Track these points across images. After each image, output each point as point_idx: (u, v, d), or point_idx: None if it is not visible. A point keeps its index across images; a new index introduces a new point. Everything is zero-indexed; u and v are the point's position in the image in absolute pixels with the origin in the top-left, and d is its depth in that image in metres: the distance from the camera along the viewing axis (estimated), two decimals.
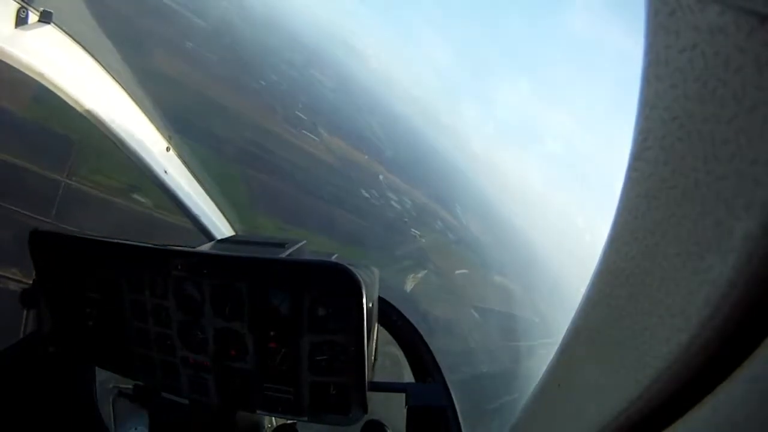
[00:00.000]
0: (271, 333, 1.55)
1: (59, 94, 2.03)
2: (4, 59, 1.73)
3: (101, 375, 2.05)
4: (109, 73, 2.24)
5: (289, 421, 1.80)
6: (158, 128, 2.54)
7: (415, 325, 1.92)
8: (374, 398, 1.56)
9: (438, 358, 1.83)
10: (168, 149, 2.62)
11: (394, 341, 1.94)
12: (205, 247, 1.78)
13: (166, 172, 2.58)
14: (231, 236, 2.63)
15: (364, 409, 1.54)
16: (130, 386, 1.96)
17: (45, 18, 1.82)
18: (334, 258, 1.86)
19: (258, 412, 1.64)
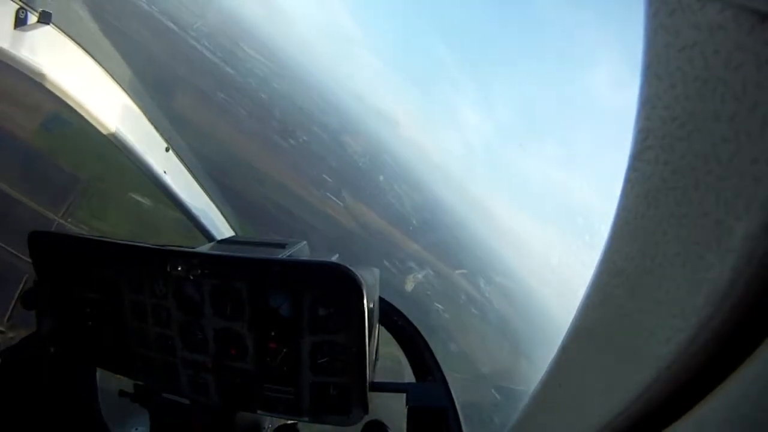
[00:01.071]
0: (272, 333, 1.55)
1: (58, 94, 2.03)
2: (3, 59, 1.73)
3: (101, 375, 2.05)
4: (108, 73, 2.24)
5: (289, 422, 1.80)
6: (158, 128, 2.54)
7: (416, 325, 1.92)
8: (375, 398, 1.56)
9: (438, 358, 1.83)
10: (168, 149, 2.62)
11: (394, 341, 1.94)
12: (205, 247, 1.78)
13: (165, 172, 2.58)
14: (231, 236, 2.63)
15: (365, 409, 1.54)
16: (131, 386, 1.96)
17: (44, 19, 1.82)
18: (334, 258, 1.85)
19: (258, 412, 1.64)
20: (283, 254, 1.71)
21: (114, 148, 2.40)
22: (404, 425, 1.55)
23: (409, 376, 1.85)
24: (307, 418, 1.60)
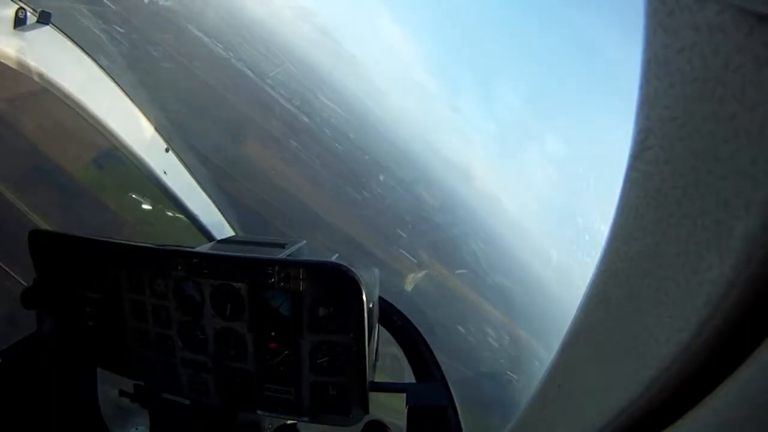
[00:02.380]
0: (272, 333, 1.55)
1: (57, 94, 2.03)
2: (3, 60, 1.73)
3: (102, 375, 2.05)
4: (107, 73, 2.24)
5: (289, 422, 1.80)
6: (158, 129, 2.54)
7: (416, 325, 1.92)
8: (375, 398, 1.56)
9: (438, 358, 1.83)
10: (168, 150, 2.62)
11: (394, 341, 1.94)
12: (205, 247, 1.78)
13: (165, 172, 2.58)
14: (231, 236, 2.63)
15: (365, 409, 1.54)
16: (131, 386, 1.96)
17: (43, 19, 1.81)
18: (334, 258, 1.85)
19: (258, 412, 1.64)
20: (283, 254, 1.71)
21: (114, 148, 2.40)
22: (404, 425, 1.55)
23: (409, 376, 1.85)
24: (307, 418, 1.60)
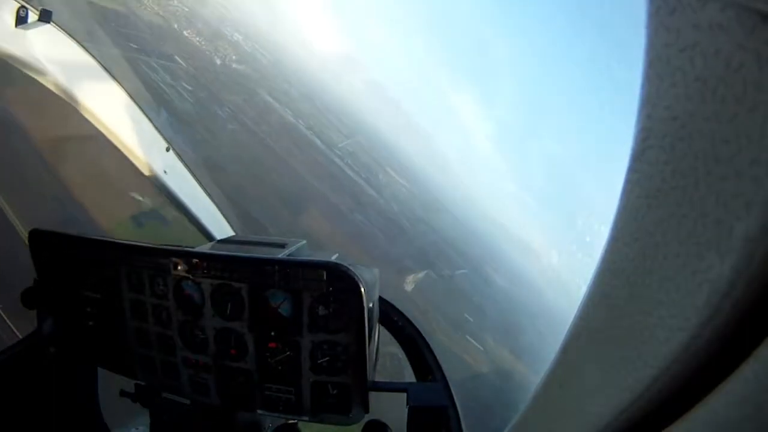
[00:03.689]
0: (272, 333, 1.55)
1: (59, 93, 2.03)
2: (4, 58, 1.73)
3: (102, 375, 2.05)
4: (108, 72, 2.24)
5: (289, 421, 1.80)
6: (158, 128, 2.54)
7: (416, 325, 1.92)
8: (375, 398, 1.56)
9: (439, 358, 1.83)
10: (168, 149, 2.62)
11: (395, 341, 1.93)
12: (205, 247, 1.78)
13: (165, 172, 2.58)
14: (231, 236, 2.63)
15: (365, 408, 1.54)
16: (131, 386, 1.96)
17: (44, 17, 1.81)
18: (334, 258, 1.85)
19: (258, 411, 1.64)
20: (282, 254, 1.71)
21: (114, 148, 2.40)
22: (404, 425, 1.55)
23: (409, 376, 1.85)
24: (307, 418, 1.61)
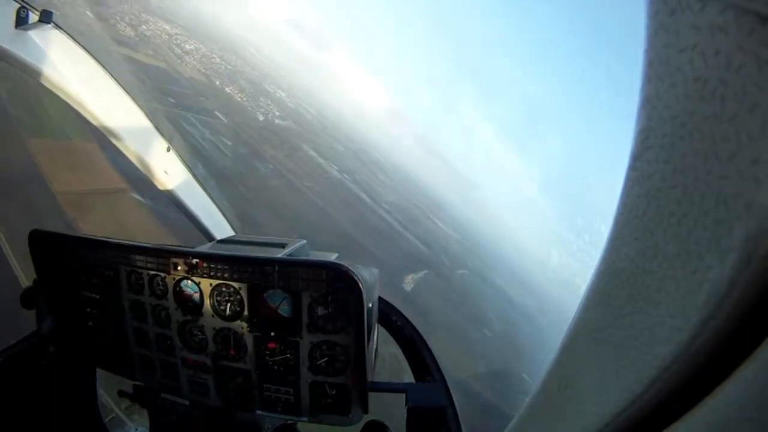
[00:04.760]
0: (271, 333, 1.55)
1: (59, 93, 2.03)
2: (4, 59, 1.73)
3: (102, 375, 2.05)
4: (109, 73, 2.24)
5: (289, 422, 1.80)
6: (158, 128, 2.54)
7: (415, 325, 1.92)
8: (374, 398, 1.56)
9: (438, 358, 1.83)
10: (168, 149, 2.62)
11: (394, 341, 1.93)
12: (205, 247, 1.78)
13: (166, 172, 2.58)
14: (231, 236, 2.63)
15: (365, 409, 1.54)
16: (131, 386, 1.96)
17: (45, 18, 1.81)
18: (334, 258, 1.85)
19: (258, 412, 1.64)
20: (282, 254, 1.71)
21: (114, 148, 2.40)
22: (404, 425, 1.55)
23: (408, 376, 1.85)
24: (306, 418, 1.60)
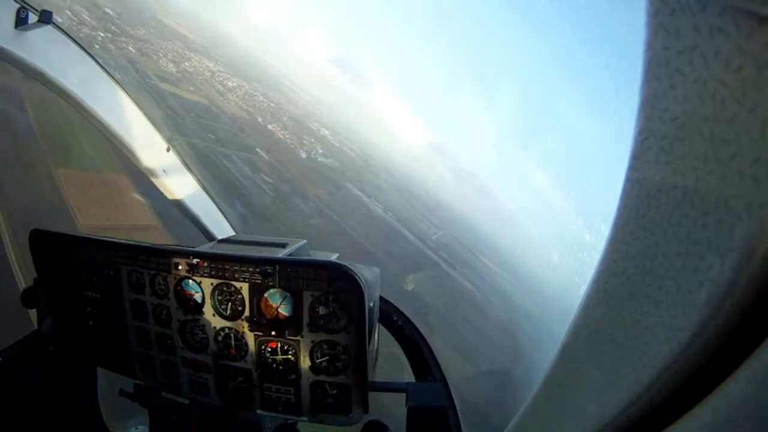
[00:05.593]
0: (272, 333, 1.55)
1: (59, 94, 2.03)
2: (4, 59, 1.73)
3: (102, 375, 2.05)
4: (108, 73, 2.24)
5: (289, 421, 1.80)
6: (158, 128, 2.54)
7: (416, 325, 1.92)
8: (375, 398, 1.56)
9: (438, 358, 1.83)
10: (168, 149, 2.62)
11: (394, 341, 1.94)
12: (206, 247, 1.78)
13: (165, 172, 2.58)
14: (231, 236, 2.63)
15: (365, 409, 1.54)
16: (131, 386, 1.96)
17: (45, 18, 1.81)
18: (335, 258, 1.85)
19: (258, 411, 1.64)
20: (283, 253, 1.71)
21: (114, 148, 2.40)
22: (404, 425, 1.55)
23: (409, 376, 1.85)
24: (306, 418, 1.60)
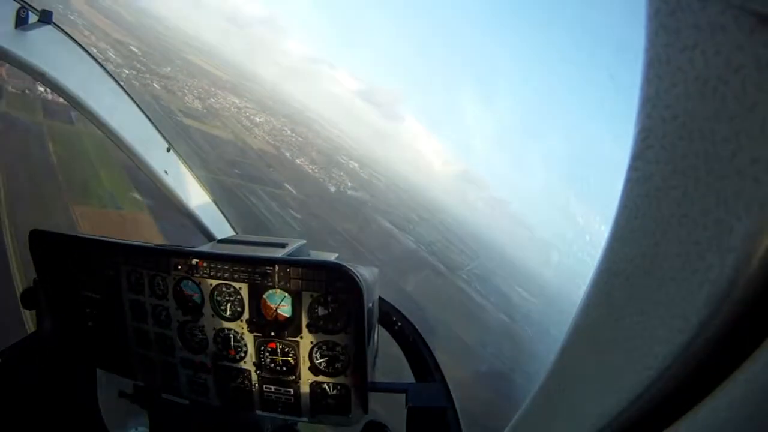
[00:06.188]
0: (271, 333, 1.55)
1: (59, 93, 2.03)
2: (4, 59, 1.73)
3: (102, 375, 2.05)
4: (108, 73, 2.24)
5: (289, 422, 1.80)
6: (159, 128, 2.54)
7: (416, 326, 1.92)
8: (374, 398, 1.56)
9: (438, 358, 1.83)
10: (168, 149, 2.62)
11: (394, 341, 1.94)
12: (205, 247, 1.78)
13: (166, 172, 2.58)
14: (231, 236, 2.63)
15: (365, 409, 1.54)
16: (131, 386, 1.96)
17: (45, 18, 1.81)
18: (334, 258, 1.85)
19: (258, 412, 1.64)
20: (282, 253, 1.71)
21: (114, 148, 2.40)
22: (404, 425, 1.55)
23: (409, 376, 1.85)
24: (306, 419, 1.60)
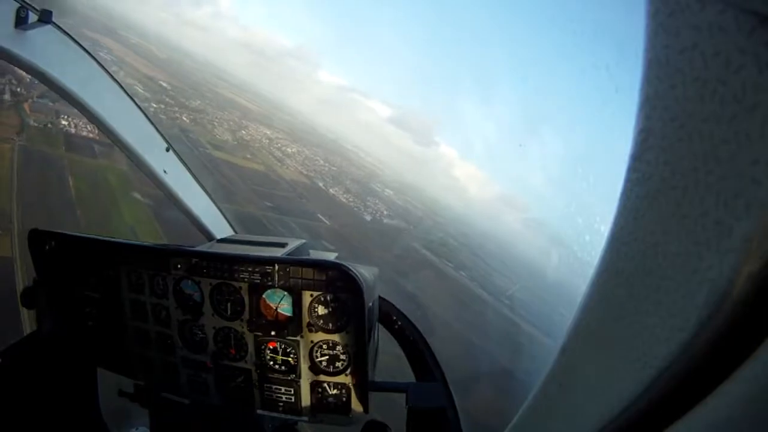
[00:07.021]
0: (271, 332, 1.55)
1: (59, 93, 2.03)
2: (4, 59, 1.73)
3: (102, 375, 2.05)
4: (108, 72, 2.24)
5: (289, 421, 1.80)
6: (158, 128, 2.54)
7: (416, 325, 1.92)
8: (375, 398, 1.56)
9: (438, 358, 1.83)
10: (168, 149, 2.61)
11: (395, 341, 1.94)
12: (205, 247, 1.78)
13: (166, 172, 2.58)
14: (231, 236, 2.63)
15: (365, 409, 1.54)
16: (131, 386, 1.96)
17: (45, 17, 1.81)
18: (334, 258, 1.85)
19: (258, 412, 1.64)
20: (282, 253, 1.71)
21: (114, 147, 2.39)
22: (404, 425, 1.55)
23: (409, 376, 1.85)
24: (306, 418, 1.61)
